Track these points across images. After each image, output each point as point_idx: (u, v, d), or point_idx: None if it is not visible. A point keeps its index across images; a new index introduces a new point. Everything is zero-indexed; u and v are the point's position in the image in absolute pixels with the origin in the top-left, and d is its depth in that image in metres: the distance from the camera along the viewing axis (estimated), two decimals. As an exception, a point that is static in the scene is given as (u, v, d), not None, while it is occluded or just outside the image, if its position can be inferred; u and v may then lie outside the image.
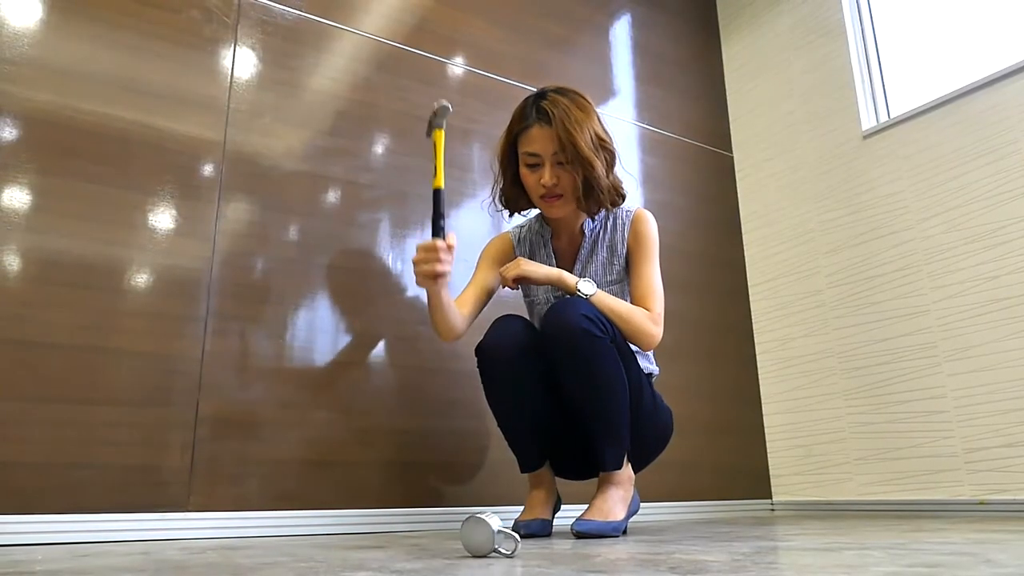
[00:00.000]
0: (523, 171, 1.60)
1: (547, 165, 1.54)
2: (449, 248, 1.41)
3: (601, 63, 2.68)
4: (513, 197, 1.67)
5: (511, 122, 1.62)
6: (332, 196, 1.95)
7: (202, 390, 1.65)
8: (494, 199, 1.72)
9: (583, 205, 1.58)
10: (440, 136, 1.47)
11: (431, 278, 1.41)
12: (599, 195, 1.55)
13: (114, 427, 1.54)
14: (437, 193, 1.43)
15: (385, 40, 2.16)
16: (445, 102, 1.45)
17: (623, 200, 1.64)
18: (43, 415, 1.48)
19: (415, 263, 1.41)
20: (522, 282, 1.56)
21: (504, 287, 1.58)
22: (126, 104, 1.72)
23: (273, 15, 1.98)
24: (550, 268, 1.54)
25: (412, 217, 2.06)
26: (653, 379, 1.68)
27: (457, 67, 2.29)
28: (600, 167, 1.52)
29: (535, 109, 1.55)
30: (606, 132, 1.58)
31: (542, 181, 1.55)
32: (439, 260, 1.39)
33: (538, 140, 1.54)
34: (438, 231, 1.41)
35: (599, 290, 1.51)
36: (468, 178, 2.21)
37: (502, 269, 1.57)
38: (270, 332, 1.77)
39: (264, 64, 1.94)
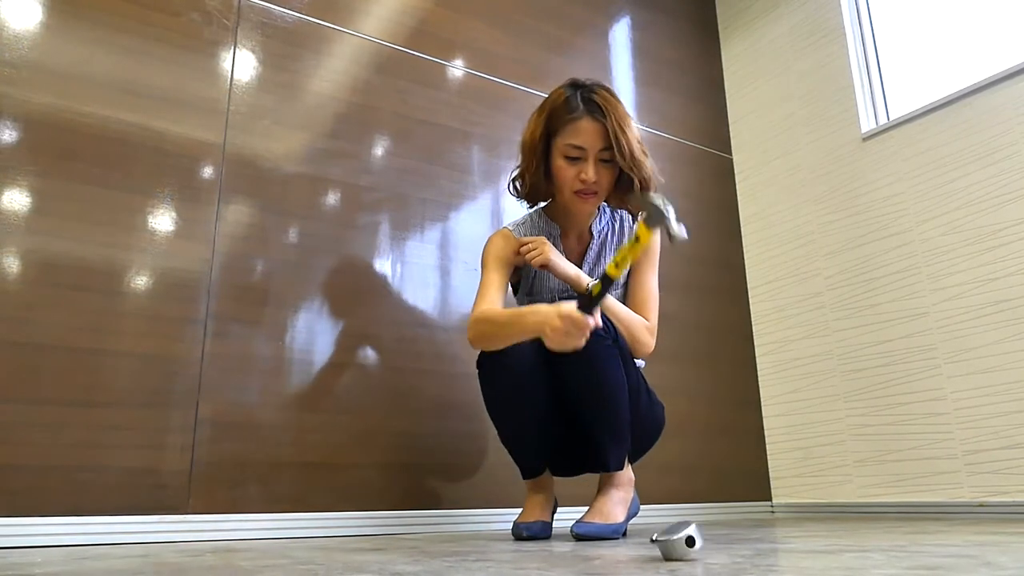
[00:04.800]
0: (559, 163, 1.51)
1: (591, 160, 1.48)
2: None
3: (601, 65, 2.69)
4: (540, 189, 1.57)
5: (549, 111, 1.52)
6: (332, 198, 1.95)
7: (202, 392, 1.65)
8: (514, 185, 1.62)
9: (615, 200, 1.57)
10: (647, 236, 1.26)
11: (570, 347, 1.29)
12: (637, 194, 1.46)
13: (113, 429, 1.54)
14: (607, 279, 1.28)
15: (385, 42, 2.16)
16: (671, 207, 1.25)
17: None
18: (42, 417, 1.47)
19: (556, 329, 1.27)
20: (543, 269, 1.53)
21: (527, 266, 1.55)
22: (126, 107, 1.72)
23: (273, 18, 1.98)
24: (569, 266, 1.53)
25: (411, 220, 2.07)
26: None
27: (457, 70, 2.29)
28: (648, 167, 1.51)
29: (584, 101, 1.47)
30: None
31: (582, 176, 1.48)
32: (584, 337, 1.27)
33: (586, 133, 1.47)
34: (591, 312, 1.28)
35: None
36: (468, 180, 2.21)
37: (527, 251, 1.51)
38: (270, 334, 1.77)
39: (264, 67, 1.94)
